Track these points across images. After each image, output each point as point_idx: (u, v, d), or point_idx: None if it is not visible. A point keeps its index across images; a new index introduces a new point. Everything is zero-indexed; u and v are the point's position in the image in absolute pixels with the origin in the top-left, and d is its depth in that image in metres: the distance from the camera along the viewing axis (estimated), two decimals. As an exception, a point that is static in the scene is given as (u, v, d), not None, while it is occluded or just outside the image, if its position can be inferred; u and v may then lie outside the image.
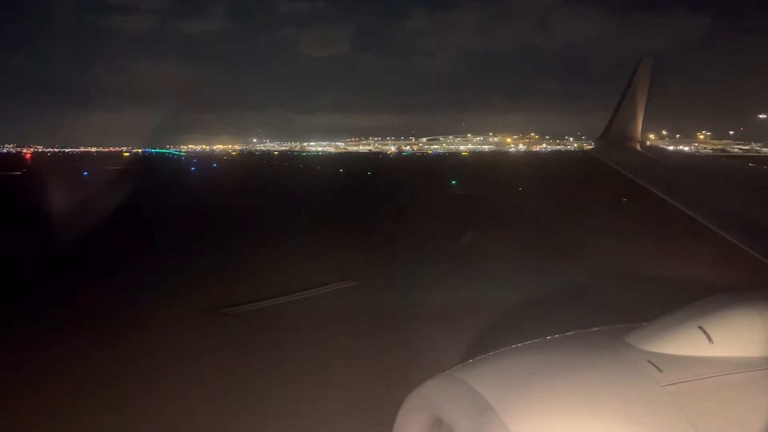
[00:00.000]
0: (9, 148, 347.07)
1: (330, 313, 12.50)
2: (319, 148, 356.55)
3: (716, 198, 5.31)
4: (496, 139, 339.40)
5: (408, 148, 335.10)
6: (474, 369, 1.86)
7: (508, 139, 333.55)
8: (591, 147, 10.19)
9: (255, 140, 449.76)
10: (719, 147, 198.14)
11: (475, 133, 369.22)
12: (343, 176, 71.08)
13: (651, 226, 20.91)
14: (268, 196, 43.63)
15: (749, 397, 1.77)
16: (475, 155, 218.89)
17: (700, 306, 2.09)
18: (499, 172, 73.15)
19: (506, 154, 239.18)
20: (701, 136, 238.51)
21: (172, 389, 8.62)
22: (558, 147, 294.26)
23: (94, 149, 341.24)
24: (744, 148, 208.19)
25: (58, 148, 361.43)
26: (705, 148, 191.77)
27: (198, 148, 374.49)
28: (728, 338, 1.91)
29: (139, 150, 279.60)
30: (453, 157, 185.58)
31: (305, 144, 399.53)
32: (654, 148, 8.70)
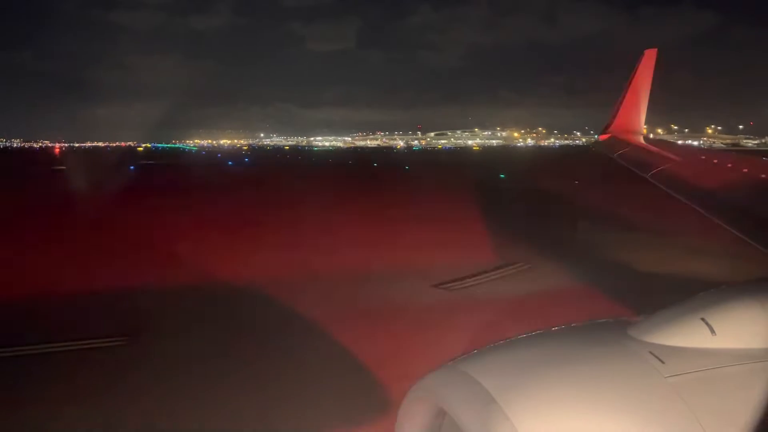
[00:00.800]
0: (16, 142, 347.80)
1: (531, 285, 13.86)
2: (326, 143, 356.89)
3: (719, 191, 5.29)
4: (504, 134, 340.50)
5: (416, 142, 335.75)
6: (476, 360, 1.88)
7: (516, 134, 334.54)
8: (593, 141, 9.88)
9: (262, 135, 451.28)
10: (732, 141, 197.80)
11: (482, 128, 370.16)
12: (387, 169, 71.23)
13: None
14: (401, 186, 43.14)
15: (752, 388, 1.77)
16: (487, 150, 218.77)
17: (703, 298, 2.10)
18: (532, 166, 73.32)
19: (517, 148, 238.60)
20: (710, 131, 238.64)
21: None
22: (566, 142, 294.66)
23: (102, 144, 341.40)
24: (754, 142, 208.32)
25: (64, 142, 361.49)
26: (715, 143, 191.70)
27: (204, 143, 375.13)
28: (731, 330, 1.92)
29: (148, 145, 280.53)
30: (466, 152, 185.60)
31: (311, 138, 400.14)
32: (657, 141, 8.50)
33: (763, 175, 5.65)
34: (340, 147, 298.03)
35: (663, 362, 1.77)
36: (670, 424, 1.63)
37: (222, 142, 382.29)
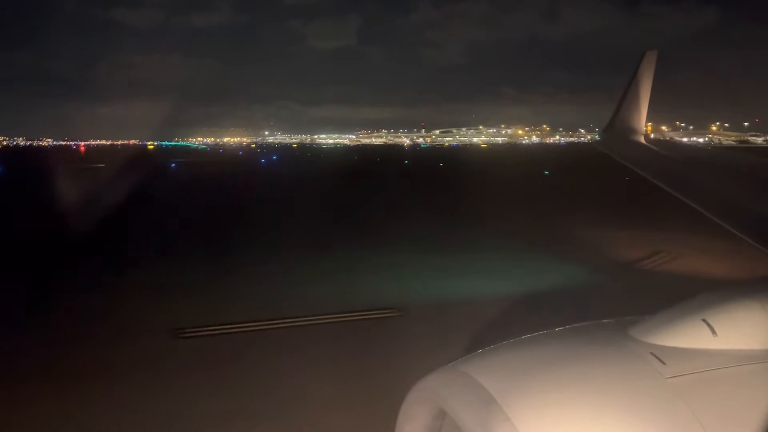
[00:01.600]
0: (18, 141, 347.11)
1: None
2: (330, 141, 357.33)
3: (721, 190, 5.29)
4: (509, 131, 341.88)
5: (421, 140, 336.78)
6: (477, 361, 1.88)
7: (521, 131, 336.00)
8: (595, 140, 10.04)
9: (267, 133, 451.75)
10: (740, 139, 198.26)
11: (486, 125, 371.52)
12: (424, 168, 71.32)
13: None
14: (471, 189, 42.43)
15: (753, 389, 1.76)
16: (496, 147, 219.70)
17: (704, 299, 2.09)
18: (560, 163, 72.93)
19: (527, 146, 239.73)
20: (714, 128, 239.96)
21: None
22: (571, 139, 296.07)
23: (106, 142, 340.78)
24: (760, 139, 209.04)
25: (68, 141, 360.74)
26: (722, 140, 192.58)
27: (208, 141, 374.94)
28: (732, 331, 1.92)
29: (151, 144, 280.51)
30: (476, 149, 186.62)
31: (315, 136, 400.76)
32: (658, 141, 8.58)
33: (764, 174, 5.64)
34: (346, 144, 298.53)
35: (664, 363, 1.76)
36: (671, 424, 1.62)
37: (225, 140, 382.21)
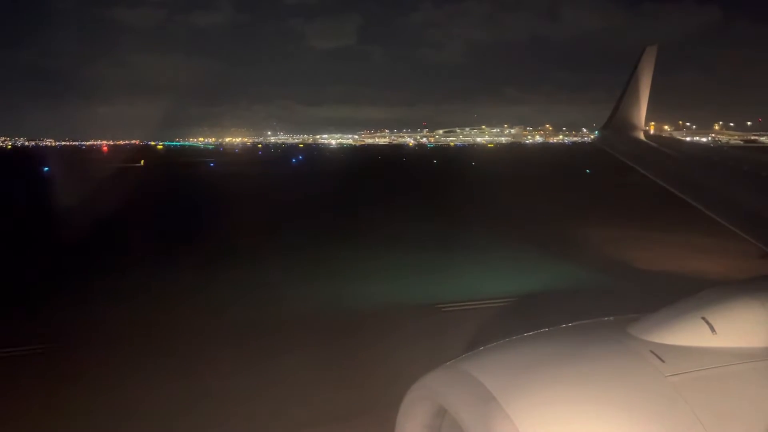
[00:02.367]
0: (20, 141, 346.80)
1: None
2: (333, 141, 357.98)
3: (719, 187, 5.29)
4: (513, 131, 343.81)
5: (425, 140, 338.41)
6: (477, 360, 1.89)
7: (525, 131, 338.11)
8: (595, 137, 9.93)
9: (269, 133, 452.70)
10: (748, 138, 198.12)
11: (489, 125, 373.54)
12: (460, 167, 71.07)
13: None
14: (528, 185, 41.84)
15: (752, 387, 1.78)
16: (504, 147, 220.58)
17: (703, 297, 2.10)
18: (589, 162, 73.59)
19: (533, 145, 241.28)
20: (717, 127, 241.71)
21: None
22: (574, 138, 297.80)
23: (111, 142, 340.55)
24: (764, 138, 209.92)
25: (69, 141, 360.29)
26: (730, 140, 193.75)
27: (209, 141, 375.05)
28: (731, 329, 1.93)
29: (161, 143, 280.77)
30: (485, 149, 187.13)
31: (318, 136, 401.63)
32: (658, 138, 8.49)
33: (764, 173, 5.67)
34: (352, 144, 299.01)
35: (663, 361, 1.77)
36: (670, 422, 1.63)
37: (227, 140, 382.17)
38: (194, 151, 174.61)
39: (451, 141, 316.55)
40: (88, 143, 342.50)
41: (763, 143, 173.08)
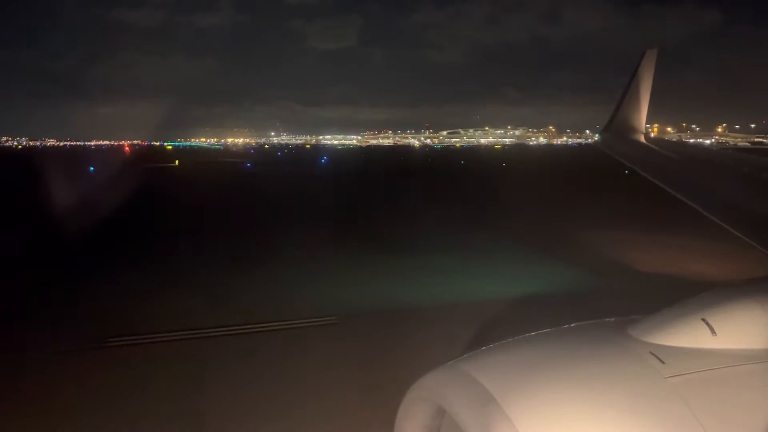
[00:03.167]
0: (24, 141, 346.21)
1: None
2: (336, 141, 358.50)
3: (720, 190, 5.29)
4: (517, 132, 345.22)
5: (429, 141, 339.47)
6: (476, 360, 1.89)
7: (529, 132, 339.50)
8: (595, 139, 10.00)
9: (272, 133, 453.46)
10: (755, 140, 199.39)
11: (491, 126, 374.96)
12: (490, 168, 71.06)
13: None
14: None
15: (752, 389, 1.78)
16: (512, 148, 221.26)
17: (703, 298, 2.11)
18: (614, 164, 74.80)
19: (540, 147, 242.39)
20: (720, 129, 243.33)
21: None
22: (578, 140, 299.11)
23: (114, 142, 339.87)
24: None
25: (70, 141, 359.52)
26: (738, 142, 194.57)
27: (212, 141, 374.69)
28: (731, 330, 1.93)
29: (169, 143, 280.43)
30: (495, 150, 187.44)
31: (320, 137, 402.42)
32: (658, 140, 8.52)
33: (764, 175, 5.66)
34: (358, 145, 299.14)
35: (663, 362, 1.77)
36: (670, 424, 1.63)
37: (229, 140, 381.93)
38: (206, 151, 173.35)
39: (456, 142, 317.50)
40: (89, 143, 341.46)
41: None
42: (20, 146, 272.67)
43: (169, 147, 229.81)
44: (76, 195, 32.31)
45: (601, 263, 15.92)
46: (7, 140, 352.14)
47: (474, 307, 11.76)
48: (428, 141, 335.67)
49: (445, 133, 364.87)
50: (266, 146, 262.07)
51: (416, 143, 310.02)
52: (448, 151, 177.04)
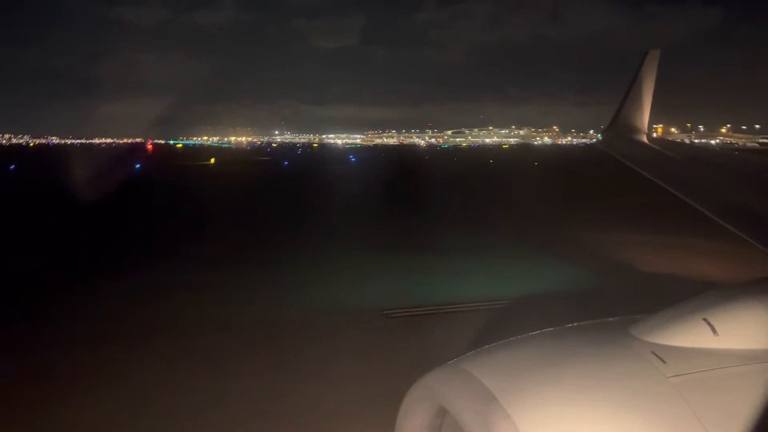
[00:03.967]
0: (27, 138, 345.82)
1: None
2: (339, 140, 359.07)
3: (723, 191, 5.31)
4: (522, 132, 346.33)
5: (434, 140, 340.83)
6: (477, 359, 1.90)
7: (534, 132, 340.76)
8: (597, 139, 10.06)
9: (276, 132, 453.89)
10: (759, 142, 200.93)
11: (494, 126, 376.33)
12: (525, 167, 70.81)
13: None
14: None
15: (754, 389, 1.78)
16: (522, 148, 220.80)
17: (705, 298, 2.11)
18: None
19: (548, 147, 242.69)
20: (724, 130, 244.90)
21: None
22: (583, 140, 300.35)
23: (119, 140, 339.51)
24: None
25: (73, 139, 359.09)
26: (747, 143, 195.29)
27: (214, 139, 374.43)
28: (733, 330, 1.93)
29: (177, 142, 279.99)
30: (503, 150, 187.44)
31: (323, 136, 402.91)
32: (661, 140, 8.54)
33: (766, 175, 5.67)
34: (365, 144, 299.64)
35: (665, 362, 1.78)
36: (671, 424, 1.63)
37: (233, 138, 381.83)
38: (219, 150, 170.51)
39: (461, 142, 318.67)
40: (92, 141, 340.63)
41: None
42: (32, 144, 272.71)
43: (180, 146, 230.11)
44: (178, 192, 33.64)
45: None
46: (10, 137, 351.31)
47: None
48: (433, 140, 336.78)
49: (449, 132, 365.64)
50: (274, 144, 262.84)
51: (422, 143, 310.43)
52: (461, 150, 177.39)
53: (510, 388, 1.70)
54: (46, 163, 70.57)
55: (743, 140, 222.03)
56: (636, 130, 8.12)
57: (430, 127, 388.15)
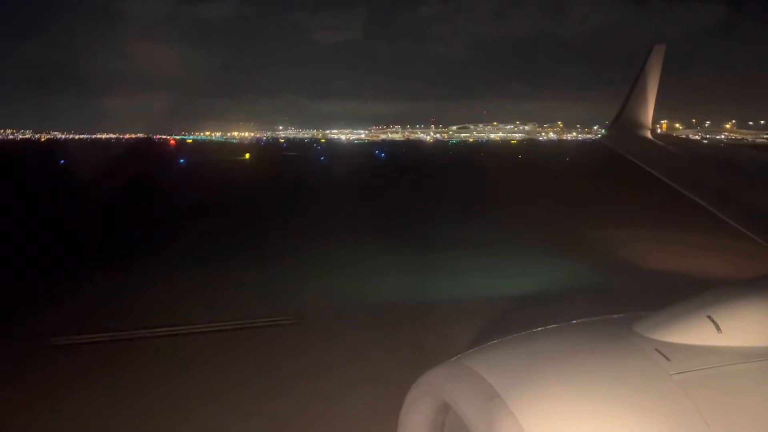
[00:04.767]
0: (29, 133, 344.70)
1: None
2: (343, 136, 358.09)
3: (728, 187, 5.27)
4: (527, 128, 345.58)
5: (438, 136, 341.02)
6: (481, 356, 1.91)
7: (539, 128, 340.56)
8: (601, 135, 9.48)
9: (281, 127, 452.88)
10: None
11: (498, 121, 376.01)
12: (556, 163, 69.49)
13: None
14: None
15: (758, 386, 1.79)
16: (531, 144, 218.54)
17: (709, 295, 2.11)
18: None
19: (555, 142, 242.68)
20: (728, 126, 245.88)
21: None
22: (588, 136, 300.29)
23: (121, 136, 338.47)
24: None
25: (75, 134, 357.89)
26: (755, 139, 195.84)
27: (217, 134, 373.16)
28: (737, 328, 1.93)
29: (187, 137, 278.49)
30: (513, 145, 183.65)
31: (327, 131, 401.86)
32: (666, 137, 8.47)
33: None
34: (371, 140, 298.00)
35: (669, 359, 1.78)
36: (675, 421, 1.63)
37: (236, 134, 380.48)
38: (233, 145, 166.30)
39: (467, 137, 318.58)
40: (97, 136, 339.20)
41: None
42: (43, 139, 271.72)
43: (190, 141, 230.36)
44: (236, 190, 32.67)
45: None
46: (13, 132, 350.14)
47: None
48: (438, 136, 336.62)
49: (454, 128, 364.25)
50: (281, 140, 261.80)
51: (429, 138, 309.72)
52: (473, 146, 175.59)
53: (513, 384, 1.71)
54: (91, 159, 69.63)
55: (749, 136, 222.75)
56: (641, 126, 8.08)
57: (434, 123, 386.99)
